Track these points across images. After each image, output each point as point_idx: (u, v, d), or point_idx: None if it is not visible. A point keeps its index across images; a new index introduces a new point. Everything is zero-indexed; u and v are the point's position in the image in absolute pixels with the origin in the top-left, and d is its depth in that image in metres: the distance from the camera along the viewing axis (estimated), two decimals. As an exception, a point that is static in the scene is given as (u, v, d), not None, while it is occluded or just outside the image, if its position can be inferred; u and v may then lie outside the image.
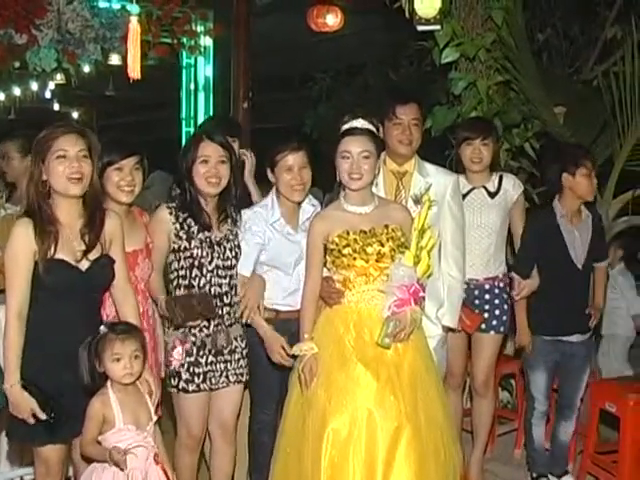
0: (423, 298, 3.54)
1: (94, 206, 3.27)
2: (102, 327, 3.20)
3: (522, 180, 4.72)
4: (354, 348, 3.45)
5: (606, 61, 6.03)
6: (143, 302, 3.68)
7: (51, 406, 3.11)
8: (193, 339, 3.66)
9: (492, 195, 4.34)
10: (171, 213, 3.68)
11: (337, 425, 3.33)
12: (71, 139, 3.18)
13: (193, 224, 3.68)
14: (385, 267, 3.47)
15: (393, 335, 3.40)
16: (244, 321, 3.65)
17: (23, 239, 3.12)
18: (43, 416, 3.10)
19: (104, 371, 3.18)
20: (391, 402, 3.33)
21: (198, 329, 3.66)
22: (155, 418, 3.26)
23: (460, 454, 3.62)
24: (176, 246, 3.67)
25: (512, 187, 4.38)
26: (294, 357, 3.58)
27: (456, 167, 4.42)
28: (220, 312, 3.70)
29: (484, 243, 4.32)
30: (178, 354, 3.66)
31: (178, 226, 3.67)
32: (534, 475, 4.55)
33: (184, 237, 3.67)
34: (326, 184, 4.11)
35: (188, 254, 3.67)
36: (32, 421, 3.11)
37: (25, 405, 3.10)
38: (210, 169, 3.66)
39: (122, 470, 3.10)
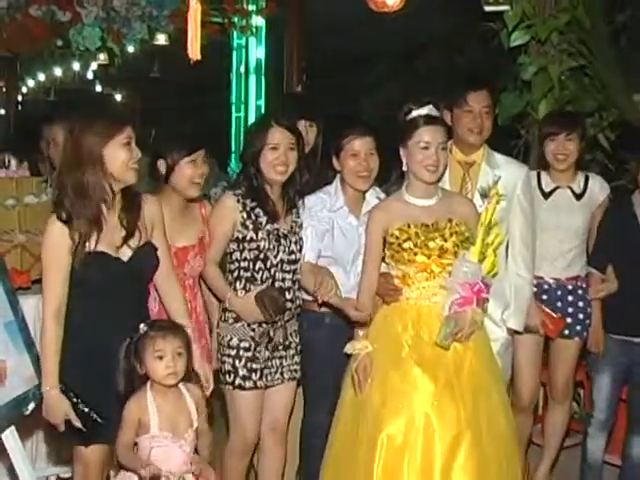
0: (486, 300, 3.53)
1: (130, 190, 3.30)
2: (142, 325, 3.21)
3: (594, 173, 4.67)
4: (411, 348, 3.46)
5: (691, 45, 5.96)
6: (191, 299, 3.76)
7: (88, 416, 3.16)
8: (252, 334, 3.72)
9: (578, 197, 4.29)
10: (238, 201, 3.73)
11: (392, 430, 3.35)
12: (132, 126, 3.22)
13: (262, 214, 3.73)
14: (448, 263, 3.47)
15: (452, 335, 3.40)
16: (320, 300, 3.64)
17: (58, 235, 3.16)
18: (78, 424, 3.15)
19: (144, 373, 3.18)
20: (450, 407, 3.34)
21: (257, 324, 3.71)
22: (196, 425, 3.24)
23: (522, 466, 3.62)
24: (240, 236, 3.72)
25: (599, 189, 4.33)
26: (349, 356, 3.60)
27: (539, 164, 4.38)
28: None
29: (566, 245, 4.28)
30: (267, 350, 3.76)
31: (245, 215, 3.72)
32: None
33: (251, 227, 3.71)
34: (383, 174, 4.10)
35: (254, 245, 3.72)
36: (62, 428, 3.16)
37: (60, 411, 3.14)
38: (279, 156, 3.71)
39: None
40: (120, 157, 3.17)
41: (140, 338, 3.18)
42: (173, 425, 3.18)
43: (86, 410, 3.16)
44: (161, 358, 3.15)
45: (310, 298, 3.84)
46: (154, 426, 3.15)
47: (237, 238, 3.74)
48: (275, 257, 3.73)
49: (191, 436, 3.22)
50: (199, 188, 3.71)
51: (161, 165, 3.66)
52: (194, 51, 6.06)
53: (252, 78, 8.17)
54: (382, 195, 3.97)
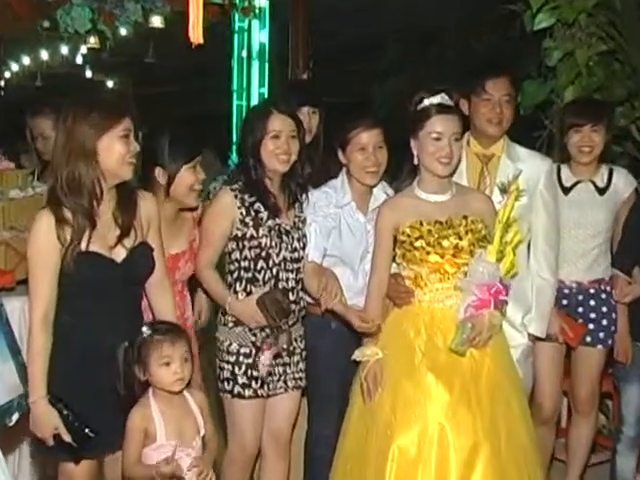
0: (505, 302, 3.55)
1: (126, 186, 3.32)
2: (144, 328, 3.23)
3: (621, 166, 4.66)
4: (424, 354, 3.49)
5: None
6: (181, 303, 3.81)
7: (79, 429, 3.14)
8: (253, 339, 3.75)
9: (601, 191, 4.30)
10: (236, 197, 3.75)
11: (404, 442, 3.38)
12: (130, 117, 3.21)
13: (262, 209, 3.76)
14: (463, 263, 3.50)
15: (469, 341, 3.43)
16: (323, 308, 3.69)
17: (45, 233, 3.15)
18: (68, 438, 3.13)
19: (147, 379, 3.20)
20: (466, 417, 3.37)
21: (259, 329, 3.74)
22: (203, 432, 3.28)
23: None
24: (240, 233, 3.75)
25: (624, 183, 4.34)
26: (356, 363, 3.63)
27: (560, 156, 4.39)
28: None
29: (588, 245, 4.29)
30: (267, 360, 3.77)
31: (244, 211, 3.74)
32: None
33: (251, 224, 3.74)
34: (393, 169, 4.10)
35: (255, 243, 3.74)
36: (51, 442, 3.15)
37: (48, 424, 3.13)
38: (281, 145, 3.74)
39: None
40: (116, 151, 3.16)
41: (143, 342, 3.19)
42: (180, 433, 3.21)
43: (77, 423, 3.15)
44: (168, 364, 3.17)
45: (313, 301, 3.87)
46: (161, 435, 3.17)
47: (236, 236, 3.76)
48: (277, 255, 3.76)
49: (199, 444, 3.26)
50: (198, 196, 3.77)
51: (159, 174, 3.70)
52: (196, 34, 6.05)
53: (255, 64, 8.17)
54: (389, 190, 4.01)
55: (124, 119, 3.18)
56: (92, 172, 3.16)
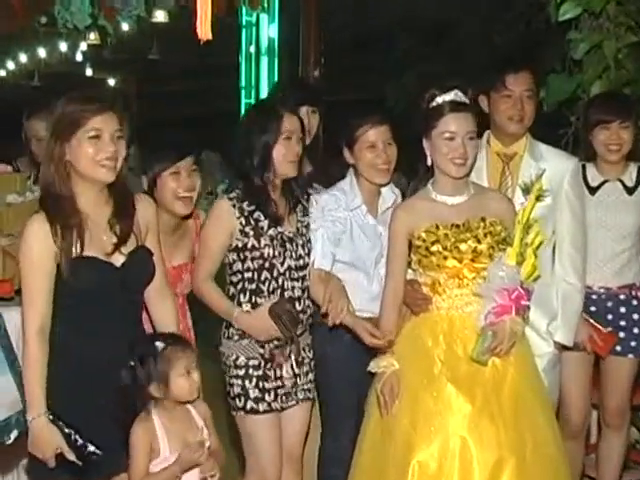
0: (527, 308, 3.56)
1: (122, 191, 3.31)
2: (158, 343, 3.23)
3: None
4: (444, 364, 3.51)
5: None
6: (182, 318, 3.82)
7: (82, 448, 3.12)
8: (261, 351, 3.76)
9: (630, 191, 4.30)
10: (234, 205, 3.76)
11: (424, 457, 3.39)
12: (107, 116, 3.18)
13: (262, 218, 3.76)
14: (482, 268, 3.51)
15: (490, 349, 3.44)
16: (331, 323, 3.70)
17: (39, 239, 3.14)
18: (72, 457, 3.10)
19: (149, 393, 3.20)
20: (489, 429, 3.38)
21: (267, 341, 3.75)
22: (208, 444, 3.29)
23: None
24: (240, 244, 3.76)
25: None
26: (372, 374, 3.64)
27: (586, 155, 4.38)
28: None
29: (617, 248, 4.28)
30: (289, 371, 3.80)
31: (244, 220, 3.75)
32: None
33: (251, 234, 3.75)
34: (408, 168, 4.13)
35: (257, 254, 3.75)
36: (53, 464, 3.09)
37: (50, 443, 3.09)
38: (293, 147, 3.75)
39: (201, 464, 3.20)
40: (84, 152, 3.15)
41: (161, 356, 3.20)
42: (184, 446, 3.22)
43: (81, 441, 3.13)
44: (189, 373, 3.22)
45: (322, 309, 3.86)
46: (164, 448, 3.20)
47: (237, 247, 3.77)
48: (282, 264, 3.77)
49: (205, 455, 3.26)
50: (187, 203, 3.78)
51: (144, 182, 3.75)
52: (204, 30, 6.05)
53: (264, 60, 8.15)
54: (397, 190, 4.05)
55: (92, 119, 3.15)
56: (64, 175, 3.17)
